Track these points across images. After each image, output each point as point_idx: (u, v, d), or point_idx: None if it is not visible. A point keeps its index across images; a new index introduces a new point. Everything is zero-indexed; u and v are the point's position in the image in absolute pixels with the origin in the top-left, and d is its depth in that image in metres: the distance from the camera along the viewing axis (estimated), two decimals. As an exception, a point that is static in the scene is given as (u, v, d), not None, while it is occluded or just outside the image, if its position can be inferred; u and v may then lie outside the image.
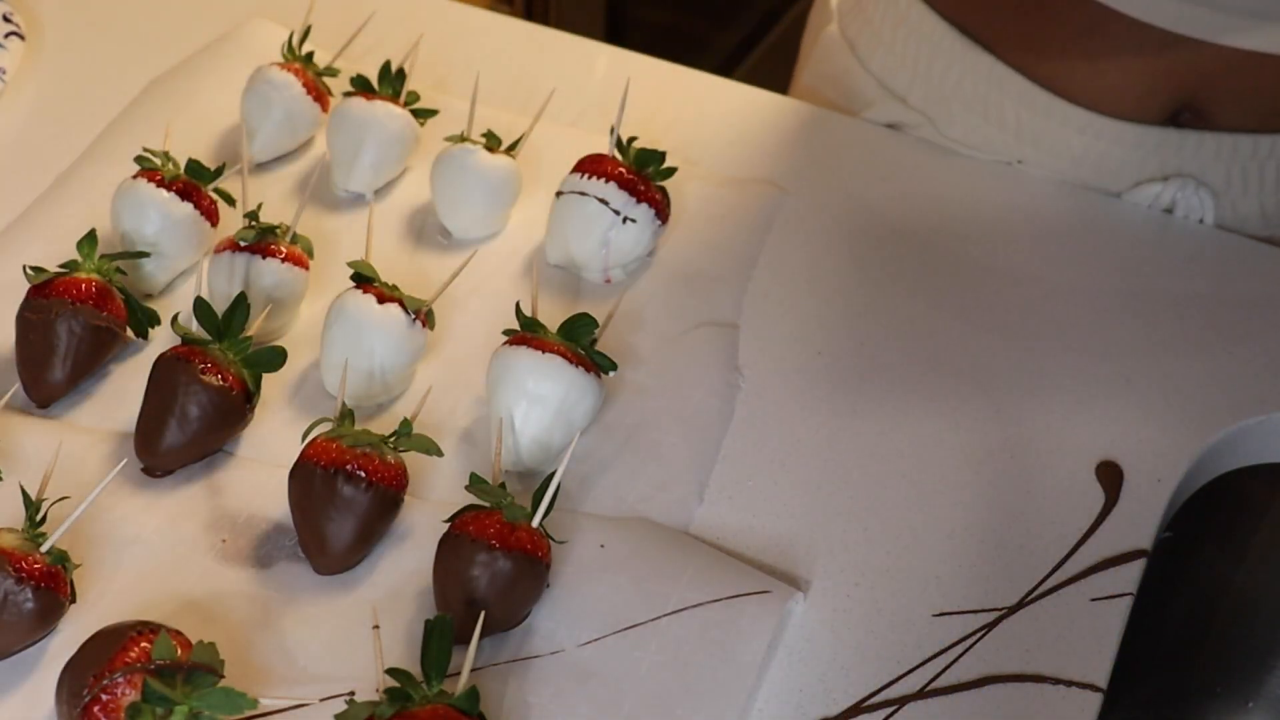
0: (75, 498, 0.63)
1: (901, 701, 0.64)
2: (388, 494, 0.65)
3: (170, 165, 0.78)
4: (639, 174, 0.79)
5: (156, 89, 0.91)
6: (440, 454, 0.68)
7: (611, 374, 0.73)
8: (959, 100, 0.91)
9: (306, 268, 0.77)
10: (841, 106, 0.98)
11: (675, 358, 0.77)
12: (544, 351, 0.70)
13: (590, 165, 0.80)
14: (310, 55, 0.87)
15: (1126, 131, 0.88)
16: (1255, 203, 0.90)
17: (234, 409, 0.69)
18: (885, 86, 0.95)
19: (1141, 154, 0.88)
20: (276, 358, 0.70)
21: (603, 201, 0.78)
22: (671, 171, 0.81)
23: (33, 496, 0.63)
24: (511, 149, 0.82)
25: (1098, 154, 0.89)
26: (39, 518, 0.63)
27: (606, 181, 0.79)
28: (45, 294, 0.71)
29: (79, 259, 0.73)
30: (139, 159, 0.78)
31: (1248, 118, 0.88)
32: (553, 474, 0.65)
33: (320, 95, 0.87)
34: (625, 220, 0.79)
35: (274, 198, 0.84)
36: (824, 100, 0.99)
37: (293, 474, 0.66)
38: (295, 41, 0.87)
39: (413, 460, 0.69)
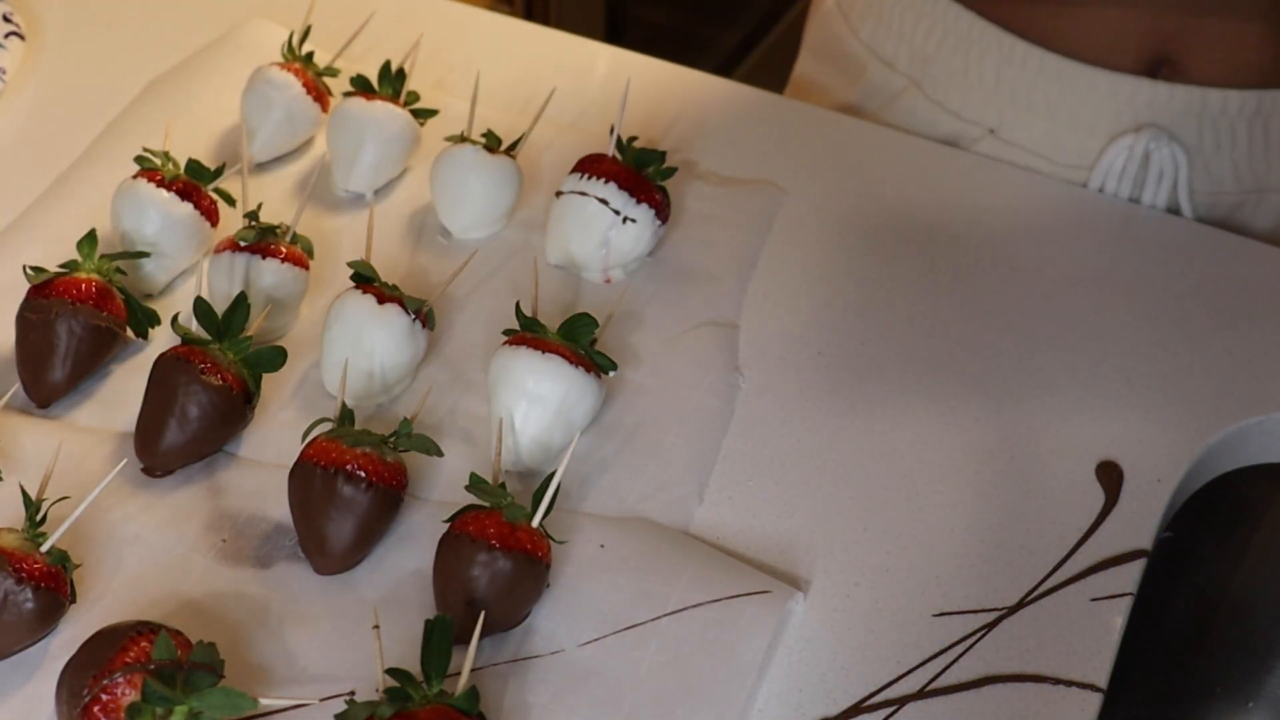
0: (75, 498, 0.63)
1: (901, 701, 0.64)
2: (388, 494, 0.65)
3: (170, 165, 0.78)
4: (639, 174, 0.79)
5: (156, 89, 0.91)
6: (440, 454, 0.68)
7: (611, 374, 0.73)
8: (941, 61, 0.94)
9: (306, 268, 0.77)
10: (836, 79, 1.01)
11: (675, 358, 0.77)
12: (544, 351, 0.70)
13: (590, 165, 0.79)
14: (310, 55, 0.87)
15: (1101, 79, 0.90)
16: (1228, 161, 0.92)
17: (234, 409, 0.69)
18: (874, 53, 0.97)
19: (1116, 104, 0.90)
20: (276, 358, 0.70)
21: (603, 201, 0.78)
22: (671, 171, 0.81)
23: (33, 496, 0.63)
24: (511, 149, 0.82)
25: (1073, 104, 0.91)
26: (39, 518, 0.63)
27: (606, 181, 0.79)
28: (45, 294, 0.71)
29: (79, 259, 0.73)
30: (139, 159, 0.78)
31: (1221, 72, 0.90)
32: (553, 474, 0.65)
33: (320, 95, 0.87)
34: (625, 220, 0.79)
35: (274, 198, 0.84)
36: (820, 74, 1.02)
37: (293, 474, 0.66)
38: (295, 41, 0.87)
39: (413, 460, 0.69)
